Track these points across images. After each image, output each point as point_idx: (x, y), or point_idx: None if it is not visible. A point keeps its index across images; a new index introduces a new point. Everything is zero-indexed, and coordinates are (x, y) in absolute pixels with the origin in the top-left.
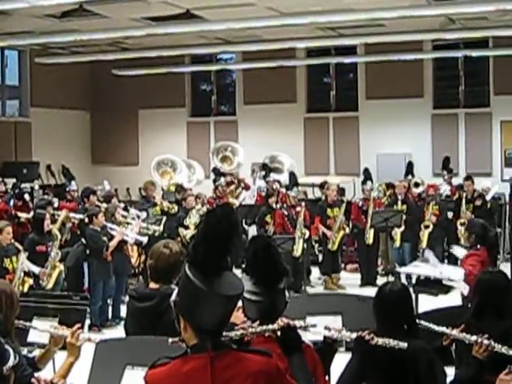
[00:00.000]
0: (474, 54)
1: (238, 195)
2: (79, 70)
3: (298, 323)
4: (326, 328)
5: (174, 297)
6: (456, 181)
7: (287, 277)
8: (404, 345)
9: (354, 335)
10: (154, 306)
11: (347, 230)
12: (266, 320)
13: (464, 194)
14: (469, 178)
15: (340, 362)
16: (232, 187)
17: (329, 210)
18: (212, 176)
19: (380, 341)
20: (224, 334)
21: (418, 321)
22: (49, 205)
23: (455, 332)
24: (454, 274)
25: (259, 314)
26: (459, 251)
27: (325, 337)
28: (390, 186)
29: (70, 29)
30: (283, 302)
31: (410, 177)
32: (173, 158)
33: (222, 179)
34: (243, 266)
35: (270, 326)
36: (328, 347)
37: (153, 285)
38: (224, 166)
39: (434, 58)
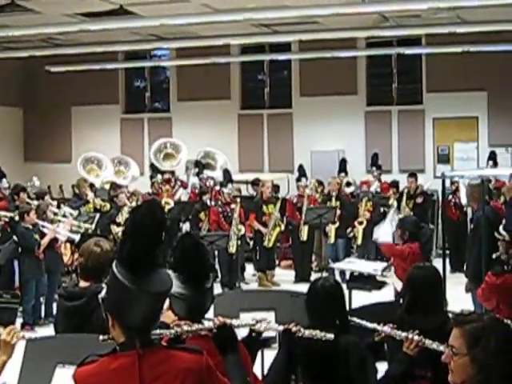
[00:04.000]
0: (407, 51)
1: (174, 193)
2: (12, 65)
3: (234, 322)
4: (253, 320)
5: (102, 294)
6: (389, 177)
7: (214, 274)
8: (331, 336)
9: (281, 327)
10: (84, 304)
11: (282, 227)
12: (193, 317)
13: (406, 190)
14: (413, 174)
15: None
16: (168, 186)
17: (264, 207)
18: (147, 173)
19: (307, 332)
20: (158, 332)
21: (350, 317)
22: None
23: (386, 328)
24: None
25: (187, 312)
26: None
27: (251, 329)
28: (320, 183)
29: (2, 24)
30: (210, 299)
31: (343, 174)
32: (98, 156)
33: (159, 176)
34: (171, 263)
35: (206, 325)
36: (253, 340)
37: (83, 283)
38: (167, 165)
39: (367, 56)
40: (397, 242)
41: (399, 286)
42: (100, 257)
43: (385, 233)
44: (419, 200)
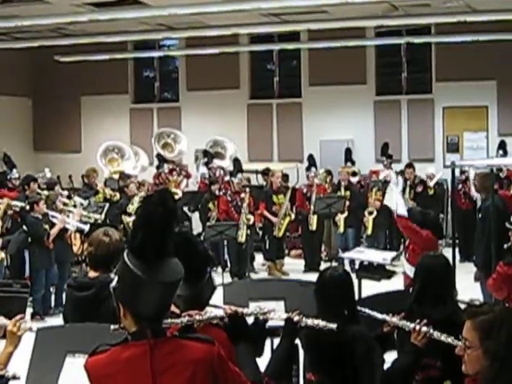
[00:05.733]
0: (417, 40)
1: (179, 183)
2: (21, 56)
3: (246, 310)
4: (259, 309)
5: (114, 283)
6: (398, 167)
7: (211, 265)
8: (333, 326)
9: (285, 316)
10: (93, 294)
11: (292, 217)
12: (193, 310)
13: (406, 181)
14: (410, 165)
15: None
16: (175, 176)
17: (274, 197)
18: (156, 162)
19: (309, 321)
20: (170, 321)
21: (358, 307)
22: None
23: (395, 319)
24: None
25: (186, 306)
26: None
27: (256, 318)
28: (328, 172)
29: (12, 14)
30: (210, 290)
31: (349, 163)
32: (120, 145)
33: (166, 166)
34: None
35: (218, 314)
36: (258, 327)
37: (92, 273)
38: (165, 153)
39: (376, 45)
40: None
41: (412, 272)
42: (109, 246)
43: (401, 206)
44: (419, 189)
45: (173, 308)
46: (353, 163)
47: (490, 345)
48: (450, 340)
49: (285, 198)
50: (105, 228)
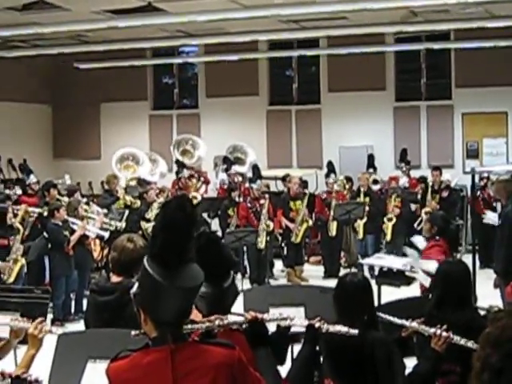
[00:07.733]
0: (436, 46)
1: (198, 188)
2: (40, 63)
3: (266, 316)
4: (277, 314)
5: (134, 289)
6: (418, 173)
7: (235, 269)
8: (354, 332)
9: (306, 323)
10: (116, 299)
11: (310, 223)
12: (215, 313)
13: (430, 184)
14: (437, 168)
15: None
16: (194, 181)
17: (291, 203)
18: (175, 169)
19: (330, 328)
20: (190, 326)
21: (377, 313)
22: (7, 199)
23: (414, 324)
24: (429, 266)
25: (208, 309)
26: (419, 240)
27: (278, 325)
28: (348, 179)
29: (31, 22)
30: (233, 295)
31: (371, 170)
32: (134, 151)
33: (185, 171)
34: None
35: (238, 319)
36: (281, 336)
37: (115, 278)
38: (184, 160)
39: (395, 51)
40: (425, 235)
41: (427, 281)
42: (133, 252)
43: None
44: (444, 194)
45: (193, 316)
46: (375, 169)
47: None
48: (470, 344)
49: (302, 204)
50: (129, 234)
